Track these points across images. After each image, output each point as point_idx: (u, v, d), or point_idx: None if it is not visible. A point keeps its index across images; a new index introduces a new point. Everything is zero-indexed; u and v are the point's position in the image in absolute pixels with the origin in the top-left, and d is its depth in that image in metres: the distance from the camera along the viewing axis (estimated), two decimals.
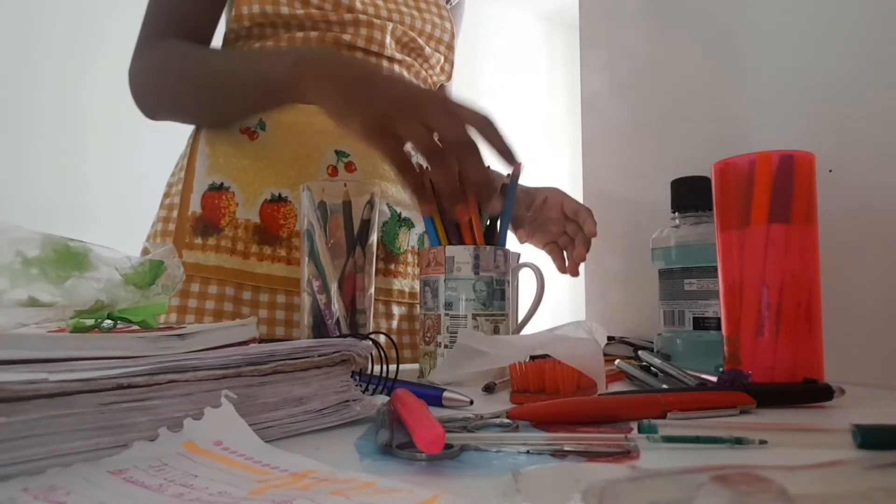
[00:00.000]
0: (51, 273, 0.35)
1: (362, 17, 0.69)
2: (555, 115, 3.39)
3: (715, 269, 0.57)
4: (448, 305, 0.53)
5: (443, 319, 0.53)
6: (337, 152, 0.67)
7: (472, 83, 3.13)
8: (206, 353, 0.29)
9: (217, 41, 0.73)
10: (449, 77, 0.80)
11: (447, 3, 0.83)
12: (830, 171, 0.54)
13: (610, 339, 0.66)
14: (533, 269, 0.56)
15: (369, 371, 0.41)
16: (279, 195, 0.66)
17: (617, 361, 0.53)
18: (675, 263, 0.59)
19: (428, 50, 0.73)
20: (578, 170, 0.87)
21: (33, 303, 0.35)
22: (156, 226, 0.69)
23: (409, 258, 0.73)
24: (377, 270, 0.66)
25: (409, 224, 0.72)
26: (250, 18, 0.68)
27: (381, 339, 0.55)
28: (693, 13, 0.69)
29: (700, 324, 0.56)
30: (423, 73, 0.75)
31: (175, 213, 0.67)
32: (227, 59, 0.66)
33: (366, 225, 0.56)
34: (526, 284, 0.62)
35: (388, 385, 0.41)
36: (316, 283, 0.54)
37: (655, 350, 0.60)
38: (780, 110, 0.58)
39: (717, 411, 0.35)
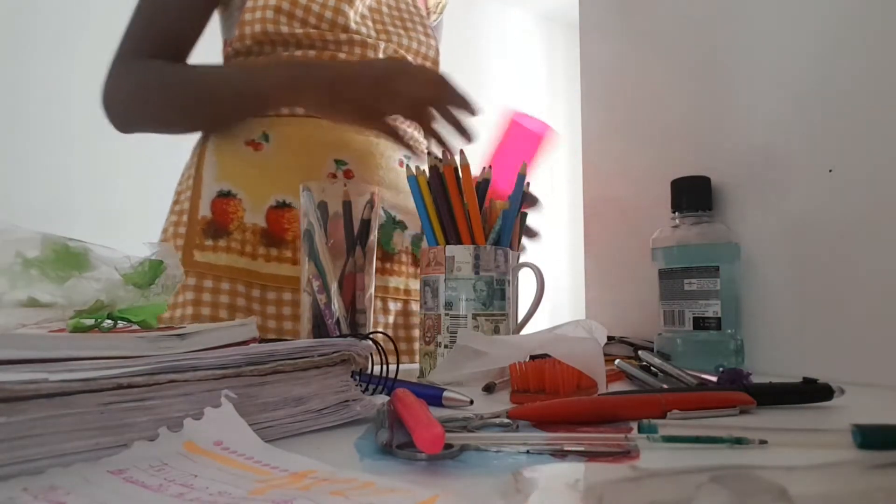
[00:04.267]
0: (51, 273, 0.35)
1: (356, 36, 0.72)
2: (555, 115, 3.39)
3: (715, 269, 0.57)
4: (448, 305, 0.53)
5: (443, 319, 0.53)
6: (336, 161, 0.71)
7: (472, 83, 3.12)
8: (206, 353, 0.29)
9: (215, 58, 0.76)
10: None
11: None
12: (830, 170, 0.54)
13: (610, 339, 0.66)
14: (533, 269, 0.56)
15: (369, 371, 0.41)
16: (284, 202, 0.70)
17: (617, 361, 0.53)
18: (675, 263, 0.58)
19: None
20: (578, 170, 0.87)
21: (33, 303, 0.35)
22: (167, 230, 0.73)
23: (404, 258, 0.77)
24: (377, 269, 0.70)
25: (402, 226, 0.76)
26: (252, 37, 0.71)
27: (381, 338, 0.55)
28: (693, 13, 0.68)
29: (700, 324, 0.56)
30: None
31: (185, 218, 0.71)
32: (211, 77, 0.71)
33: (366, 225, 0.56)
34: (526, 284, 0.62)
35: (388, 385, 0.41)
36: (316, 283, 0.54)
37: (655, 350, 0.60)
38: (780, 110, 0.58)
39: (717, 411, 0.35)
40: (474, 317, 0.52)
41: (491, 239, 0.55)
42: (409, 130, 0.74)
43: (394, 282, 0.76)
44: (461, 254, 0.53)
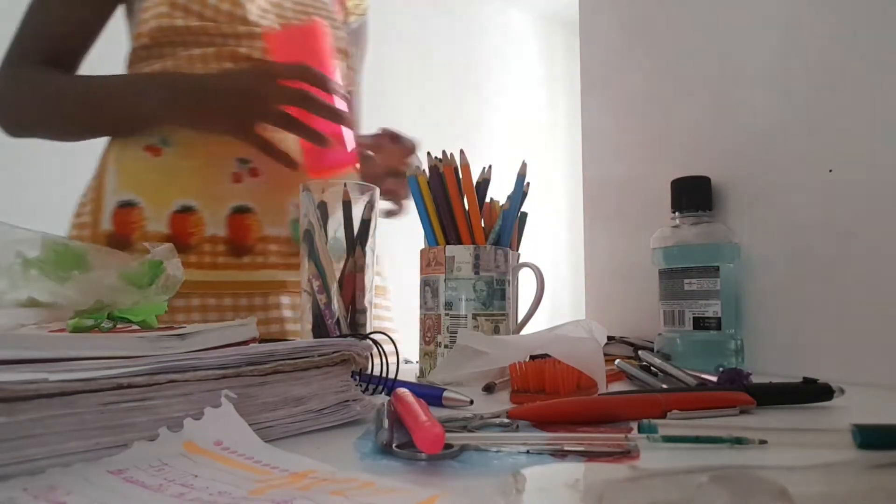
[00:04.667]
0: (51, 273, 0.35)
1: (256, 29, 0.72)
2: (555, 115, 3.39)
3: (715, 269, 0.57)
4: (448, 305, 0.53)
5: (443, 319, 0.53)
6: (239, 160, 0.70)
7: (472, 83, 3.13)
8: (206, 353, 0.29)
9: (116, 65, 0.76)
10: (351, 83, 0.82)
11: (345, 24, 0.85)
12: (830, 170, 0.54)
13: (610, 339, 0.66)
14: (533, 269, 0.56)
15: (369, 371, 0.41)
16: (187, 206, 0.68)
17: (617, 361, 0.53)
18: (675, 263, 0.58)
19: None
20: (578, 170, 0.87)
21: (33, 303, 0.35)
22: None
23: None
24: (291, 265, 0.71)
25: None
26: (149, 35, 0.71)
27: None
28: (693, 13, 0.69)
29: (700, 324, 0.56)
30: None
31: (87, 232, 0.70)
32: (93, 91, 0.71)
33: (366, 225, 0.56)
34: (526, 284, 0.62)
35: (388, 385, 0.41)
36: (316, 283, 0.54)
37: (655, 350, 0.60)
38: (780, 110, 0.58)
39: (717, 411, 0.35)
40: (474, 317, 0.52)
41: (491, 239, 0.55)
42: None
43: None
44: (461, 254, 0.53)
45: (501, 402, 0.41)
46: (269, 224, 0.71)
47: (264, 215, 0.71)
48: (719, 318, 0.56)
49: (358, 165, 0.74)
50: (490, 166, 0.57)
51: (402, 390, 0.33)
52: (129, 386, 0.25)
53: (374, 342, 0.41)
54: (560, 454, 0.27)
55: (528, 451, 0.27)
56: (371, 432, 0.31)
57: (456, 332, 0.52)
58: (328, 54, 0.69)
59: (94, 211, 0.71)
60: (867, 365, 0.50)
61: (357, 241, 0.55)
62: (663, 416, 0.33)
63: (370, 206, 0.57)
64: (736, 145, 0.62)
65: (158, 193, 0.69)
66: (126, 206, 0.69)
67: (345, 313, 0.54)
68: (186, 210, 0.68)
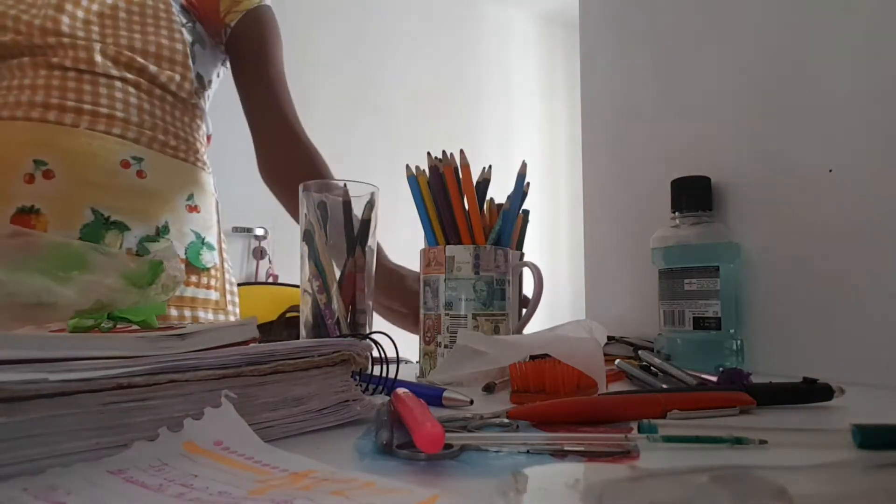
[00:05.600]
0: (51, 273, 0.35)
1: (66, 39, 0.73)
2: (555, 115, 3.39)
3: (715, 269, 0.57)
4: (448, 305, 0.53)
5: (443, 319, 0.53)
6: (35, 161, 0.69)
7: (472, 84, 3.13)
8: (206, 353, 0.29)
9: None
10: (192, 94, 0.82)
11: (224, 27, 0.86)
12: (830, 170, 0.54)
13: (610, 339, 0.66)
14: (531, 269, 0.56)
15: (369, 371, 0.41)
16: None
17: (617, 361, 0.53)
18: (675, 263, 0.58)
19: (153, 69, 0.77)
20: (578, 170, 0.87)
21: (33, 303, 0.35)
22: None
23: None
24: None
25: (121, 227, 0.73)
26: None
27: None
28: (693, 12, 0.69)
29: (700, 324, 0.56)
30: (155, 89, 0.78)
31: None
32: None
33: (366, 225, 0.56)
34: (526, 280, 0.62)
35: (388, 385, 0.41)
36: (316, 283, 0.54)
37: (655, 350, 0.60)
38: (780, 110, 0.58)
39: (717, 411, 0.35)
40: (474, 317, 0.52)
41: (491, 239, 0.55)
42: None
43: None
44: (461, 254, 0.53)
45: (501, 402, 0.41)
46: (58, 227, 0.69)
47: (53, 218, 0.69)
48: (719, 318, 0.56)
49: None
50: (490, 166, 0.57)
51: (402, 390, 0.33)
52: (129, 386, 0.25)
53: (375, 342, 0.41)
54: (560, 454, 0.26)
55: (528, 451, 0.27)
56: (371, 432, 0.31)
57: (456, 332, 0.52)
58: None
59: None
60: (867, 365, 0.50)
61: (357, 241, 0.55)
62: (663, 416, 0.33)
63: (370, 206, 0.57)
64: (736, 145, 0.62)
65: None
66: None
67: (345, 313, 0.54)
68: None
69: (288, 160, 0.87)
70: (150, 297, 0.38)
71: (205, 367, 0.27)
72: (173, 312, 0.77)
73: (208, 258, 0.82)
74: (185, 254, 0.79)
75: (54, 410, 0.23)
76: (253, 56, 0.89)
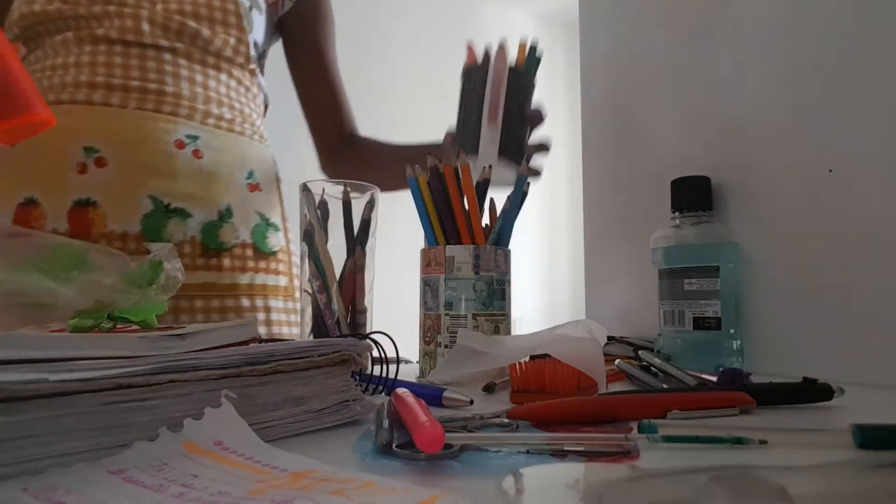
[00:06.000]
0: (51, 273, 0.35)
1: (112, 8, 0.69)
2: (555, 116, 3.39)
3: (715, 269, 0.57)
4: (448, 305, 0.53)
5: (443, 319, 0.53)
6: (86, 149, 0.66)
7: None
8: (206, 353, 0.29)
9: None
10: (248, 60, 0.77)
11: (281, 5, 0.82)
12: (830, 170, 0.54)
13: (610, 339, 0.66)
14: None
15: (369, 371, 0.41)
16: (31, 198, 0.66)
17: (617, 361, 0.53)
18: (675, 263, 0.58)
19: (206, 32, 0.71)
20: (578, 170, 0.87)
21: (33, 303, 0.35)
22: None
23: (187, 249, 0.70)
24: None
25: (182, 214, 0.69)
26: (18, 25, 0.70)
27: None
28: (693, 12, 0.69)
29: (700, 324, 0.56)
30: (209, 57, 0.73)
31: None
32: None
33: (366, 225, 0.56)
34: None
35: (388, 385, 0.41)
36: (316, 283, 0.54)
37: (655, 350, 0.60)
38: (780, 109, 0.58)
39: (717, 411, 0.35)
40: (474, 317, 0.52)
41: (491, 239, 0.55)
42: None
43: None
44: (461, 254, 0.53)
45: (501, 402, 0.41)
46: (117, 220, 0.66)
47: (111, 209, 0.66)
48: (719, 318, 0.56)
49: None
50: (490, 166, 0.57)
51: (402, 390, 0.33)
52: (129, 386, 0.25)
53: (375, 342, 0.41)
54: (560, 454, 0.26)
55: (528, 451, 0.27)
56: (371, 432, 0.31)
57: (456, 332, 0.52)
58: None
59: None
60: (867, 365, 0.50)
61: (357, 241, 0.55)
62: (663, 416, 0.33)
63: (370, 206, 0.57)
64: (736, 145, 0.62)
65: (7, 185, 0.67)
66: None
67: (345, 313, 0.54)
68: (30, 203, 0.66)
69: (351, 163, 0.86)
70: (150, 297, 0.38)
71: (205, 367, 0.27)
72: (245, 303, 0.73)
73: (274, 241, 0.77)
74: (251, 238, 0.74)
75: (54, 410, 0.23)
76: (309, 40, 0.85)
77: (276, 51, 0.88)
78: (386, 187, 0.72)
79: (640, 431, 0.29)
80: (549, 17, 3.41)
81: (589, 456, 0.26)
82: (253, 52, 0.77)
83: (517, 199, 0.57)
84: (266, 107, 0.85)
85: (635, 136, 0.76)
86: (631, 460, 0.26)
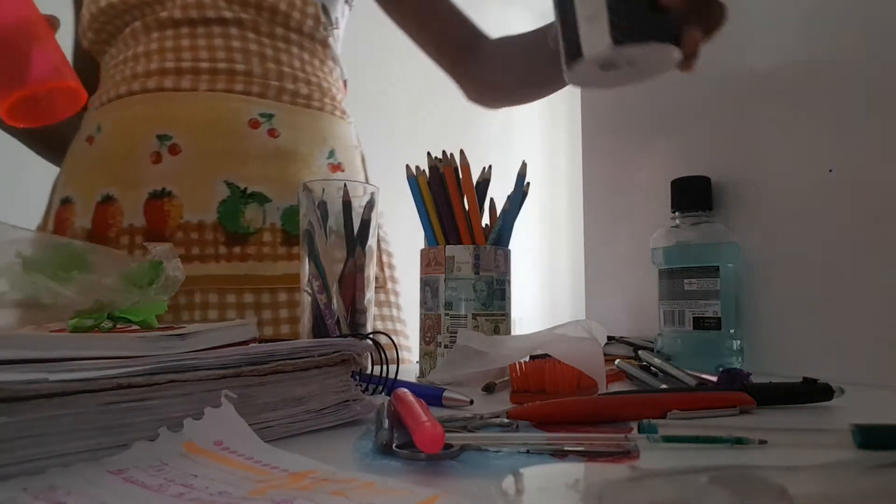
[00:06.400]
0: (51, 273, 0.35)
1: None
2: (555, 116, 3.39)
3: (715, 269, 0.57)
4: (448, 305, 0.53)
5: (443, 319, 0.53)
6: (159, 137, 0.63)
7: None
8: (206, 353, 0.29)
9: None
10: (318, 26, 0.72)
11: None
12: (830, 170, 0.54)
13: (610, 339, 0.66)
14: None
15: (369, 371, 0.41)
16: (108, 195, 0.63)
17: (617, 361, 0.53)
18: (675, 263, 0.59)
19: None
20: (578, 170, 0.87)
21: (33, 303, 0.35)
22: None
23: (267, 237, 0.65)
24: (220, 256, 0.62)
25: (260, 199, 0.65)
26: (90, 28, 0.69)
27: (382, 339, 0.55)
28: None
29: (700, 324, 0.56)
30: (277, 28, 0.69)
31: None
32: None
33: (366, 225, 0.56)
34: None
35: (388, 385, 0.41)
36: (316, 283, 0.54)
37: (655, 350, 0.60)
38: (780, 109, 0.58)
39: (717, 411, 0.35)
40: (474, 317, 0.52)
41: (491, 239, 0.55)
42: None
43: (257, 269, 0.63)
44: (461, 254, 0.53)
45: (501, 402, 0.41)
46: (193, 210, 0.63)
47: (186, 199, 0.63)
48: (719, 318, 0.56)
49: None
50: (490, 166, 0.57)
51: (402, 390, 0.33)
52: (129, 386, 0.25)
53: (375, 342, 0.41)
54: (560, 454, 0.26)
55: (528, 451, 0.27)
56: (371, 432, 0.31)
57: (456, 332, 0.52)
58: None
59: (45, 213, 0.69)
60: (867, 365, 0.50)
61: (357, 241, 0.55)
62: (663, 416, 0.33)
63: (370, 206, 0.57)
64: (736, 145, 0.62)
65: (87, 185, 0.65)
66: (65, 203, 0.66)
67: (345, 313, 0.54)
68: (108, 200, 0.63)
69: (491, 63, 0.78)
70: (150, 297, 0.38)
71: (205, 367, 0.28)
72: None
73: None
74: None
75: (54, 410, 0.23)
76: None
77: None
78: (533, 82, 0.68)
79: (639, 431, 0.29)
80: (549, 17, 3.41)
81: (589, 456, 0.26)
82: (323, 17, 0.72)
83: (517, 199, 0.57)
84: (345, 82, 0.80)
85: (635, 135, 0.76)
86: (631, 460, 0.26)
